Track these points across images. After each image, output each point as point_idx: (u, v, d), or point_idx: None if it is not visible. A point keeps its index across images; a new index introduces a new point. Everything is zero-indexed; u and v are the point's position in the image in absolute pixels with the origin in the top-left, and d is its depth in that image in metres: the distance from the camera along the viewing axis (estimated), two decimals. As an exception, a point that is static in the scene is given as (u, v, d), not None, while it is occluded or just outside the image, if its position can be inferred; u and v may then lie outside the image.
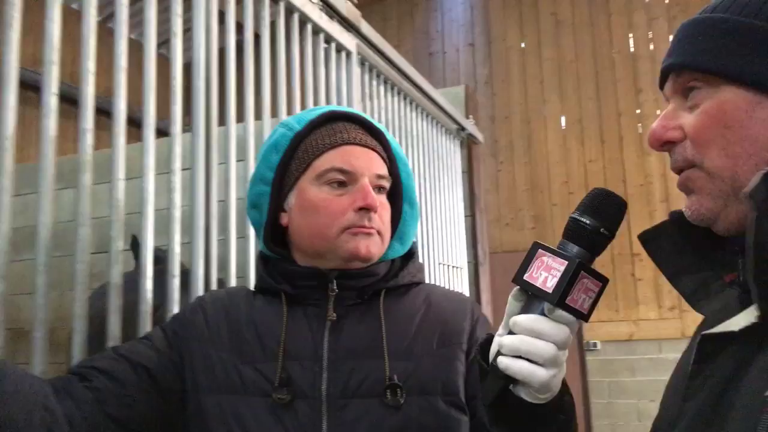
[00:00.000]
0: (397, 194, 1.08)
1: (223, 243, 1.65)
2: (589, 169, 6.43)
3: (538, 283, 0.71)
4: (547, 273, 0.70)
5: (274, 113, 1.78)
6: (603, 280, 0.71)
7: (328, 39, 2.03)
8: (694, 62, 0.65)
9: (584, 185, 6.38)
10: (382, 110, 2.45)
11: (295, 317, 1.00)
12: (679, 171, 0.68)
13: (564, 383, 0.77)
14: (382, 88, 2.46)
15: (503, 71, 6.95)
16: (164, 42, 1.79)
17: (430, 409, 0.94)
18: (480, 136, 3.56)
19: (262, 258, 1.09)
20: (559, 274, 0.69)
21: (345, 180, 1.00)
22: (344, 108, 1.10)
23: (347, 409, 0.93)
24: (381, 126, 1.09)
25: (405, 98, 2.67)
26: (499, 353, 0.73)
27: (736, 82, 0.62)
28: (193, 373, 0.99)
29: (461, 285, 3.21)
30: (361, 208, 0.98)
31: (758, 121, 0.61)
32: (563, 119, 6.65)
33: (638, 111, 6.34)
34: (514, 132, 6.80)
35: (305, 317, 1.00)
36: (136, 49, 1.36)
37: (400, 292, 1.05)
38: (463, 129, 3.34)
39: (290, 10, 1.83)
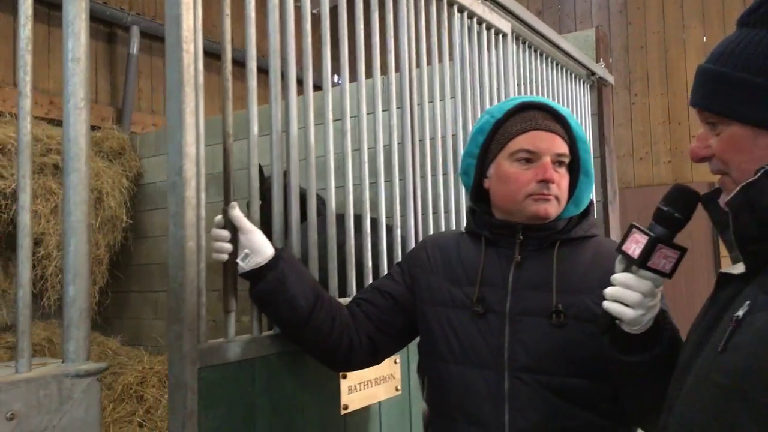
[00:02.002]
0: (575, 167, 1.38)
1: (374, 186, 1.87)
2: (734, 97, 6.08)
3: (630, 252, 1.02)
4: (635, 245, 1.01)
5: (418, 64, 2.01)
6: (681, 249, 1.00)
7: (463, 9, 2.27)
8: (709, 106, 0.91)
9: (727, 115, 6.06)
10: (476, 50, 2.49)
11: (490, 255, 1.37)
12: (717, 173, 0.95)
13: (667, 322, 1.09)
14: (511, 43, 2.62)
15: (639, -2, 6.65)
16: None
17: (584, 332, 1.24)
18: (611, 79, 3.63)
19: (471, 210, 1.47)
20: (642, 246, 1.00)
21: (531, 158, 1.31)
22: (535, 99, 1.39)
23: (522, 322, 1.29)
24: (565, 112, 1.38)
25: (535, 51, 2.85)
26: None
27: (739, 121, 0.88)
28: (420, 290, 1.43)
29: (591, 223, 3.38)
30: (541, 180, 1.29)
31: (761, 146, 0.86)
32: (705, 46, 6.30)
33: (793, 32, 5.85)
34: (650, 62, 6.55)
35: (497, 256, 1.36)
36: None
37: (575, 243, 1.36)
38: (593, 74, 3.44)
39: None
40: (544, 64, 2.95)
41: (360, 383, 1.66)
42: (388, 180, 2.00)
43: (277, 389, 1.44)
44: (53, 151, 5.14)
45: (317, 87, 1.70)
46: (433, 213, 2.12)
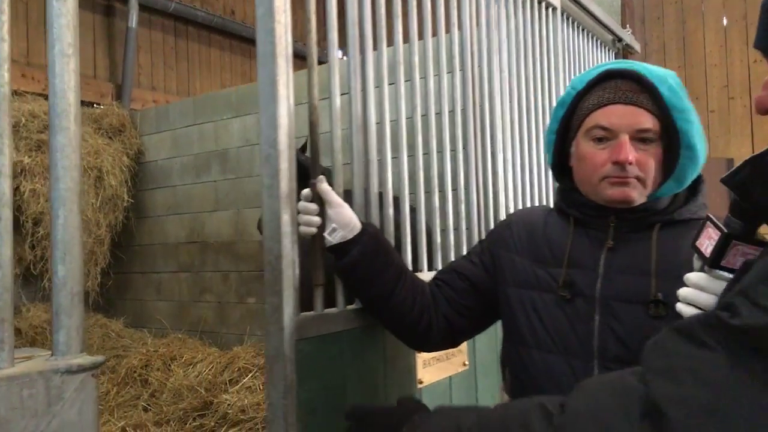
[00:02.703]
0: (675, 140, 1.20)
1: (381, 163, 1.70)
2: (754, 70, 5.88)
3: (702, 249, 0.92)
4: (708, 241, 0.90)
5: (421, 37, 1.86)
6: (762, 245, 0.87)
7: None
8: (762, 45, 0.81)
9: (747, 89, 5.87)
10: (528, 24, 2.42)
11: (579, 235, 1.25)
12: None
13: None
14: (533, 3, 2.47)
15: (656, -33, 6.40)
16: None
17: None
18: (637, 46, 3.43)
19: (559, 188, 1.36)
20: (714, 243, 0.89)
21: (606, 136, 1.18)
22: (621, 65, 1.23)
23: (615, 309, 1.16)
24: (657, 77, 1.19)
25: (562, 13, 2.65)
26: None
27: None
28: (502, 271, 1.34)
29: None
30: (616, 162, 1.15)
31: None
32: (724, 17, 6.06)
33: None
34: (667, 34, 6.32)
35: (587, 237, 1.24)
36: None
37: (680, 226, 1.20)
38: (619, 40, 3.25)
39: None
40: (568, 27, 2.75)
41: (432, 358, 1.72)
42: (440, 151, 1.91)
43: (362, 362, 1.48)
44: (50, 127, 4.97)
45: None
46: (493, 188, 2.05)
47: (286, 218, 1.23)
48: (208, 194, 5.12)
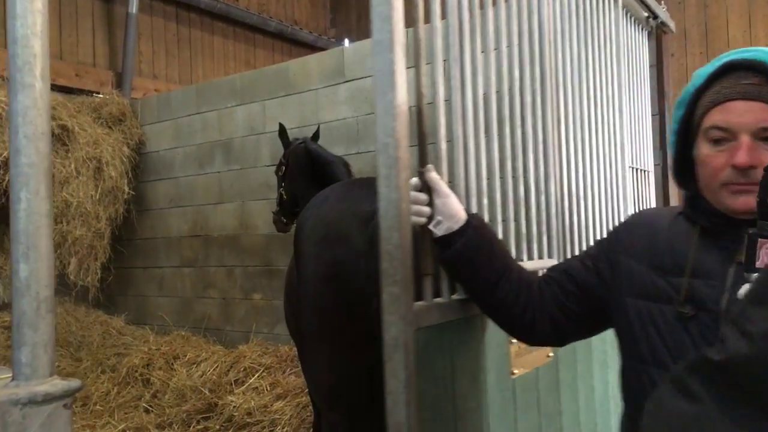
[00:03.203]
0: None
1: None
2: (781, 56, 5.63)
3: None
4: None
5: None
6: None
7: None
8: None
9: (773, 76, 5.62)
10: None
11: (707, 244, 1.10)
12: None
13: None
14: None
15: (677, -51, 6.16)
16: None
17: None
18: (672, 25, 3.20)
19: (685, 194, 1.22)
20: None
21: (724, 137, 1.04)
22: (743, 55, 1.09)
23: None
24: None
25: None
26: None
27: None
28: (620, 279, 1.20)
29: (648, 190, 3.01)
30: (734, 166, 1.02)
31: None
32: (749, 2, 5.81)
33: None
34: (688, 19, 6.08)
35: (716, 247, 1.09)
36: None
37: None
38: (654, 17, 3.01)
39: None
40: (601, 3, 2.52)
41: (522, 349, 1.72)
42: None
43: (466, 351, 1.51)
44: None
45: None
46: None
47: (404, 207, 1.21)
48: (212, 186, 4.93)
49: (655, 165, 3.15)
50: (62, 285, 4.92)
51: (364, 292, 1.81)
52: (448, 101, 1.53)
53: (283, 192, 3.35)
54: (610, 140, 2.52)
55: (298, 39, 7.57)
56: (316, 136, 3.43)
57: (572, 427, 1.98)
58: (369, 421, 1.81)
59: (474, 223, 1.32)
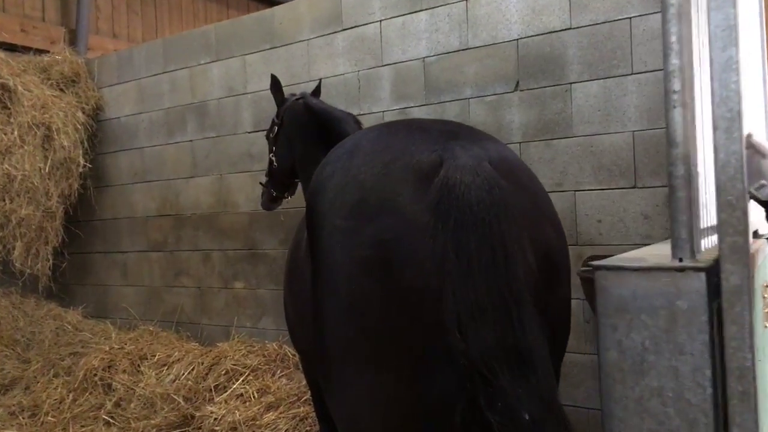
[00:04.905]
0: None
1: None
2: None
3: None
4: None
5: None
6: None
7: None
8: None
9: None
10: None
11: None
12: None
13: None
14: None
15: None
16: None
17: None
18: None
19: None
20: None
21: None
22: None
23: None
24: None
25: None
26: None
27: None
28: None
29: None
30: None
31: None
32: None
33: None
34: None
35: None
36: None
37: None
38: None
39: None
40: None
41: None
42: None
43: None
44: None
45: None
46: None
47: (742, 161, 1.21)
48: (184, 157, 4.32)
49: None
50: (6, 273, 4.42)
51: (428, 288, 1.21)
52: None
53: (274, 158, 2.76)
54: None
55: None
56: (317, 91, 2.89)
57: None
58: None
59: None
